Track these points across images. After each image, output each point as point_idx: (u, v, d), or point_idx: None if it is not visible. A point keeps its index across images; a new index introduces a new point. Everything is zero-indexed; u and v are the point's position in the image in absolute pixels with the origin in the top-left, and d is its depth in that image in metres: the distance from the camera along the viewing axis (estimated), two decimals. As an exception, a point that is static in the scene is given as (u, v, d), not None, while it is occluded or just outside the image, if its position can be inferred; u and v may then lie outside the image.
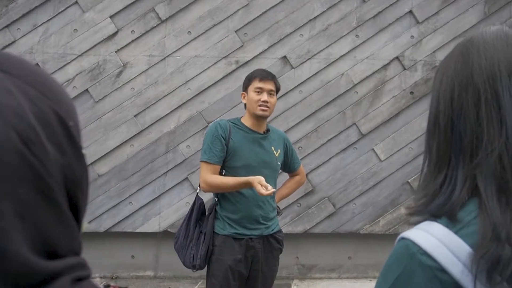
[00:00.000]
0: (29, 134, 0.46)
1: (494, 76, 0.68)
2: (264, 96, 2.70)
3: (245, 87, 2.79)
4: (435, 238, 0.65)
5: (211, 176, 2.65)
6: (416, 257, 0.65)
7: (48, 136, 0.48)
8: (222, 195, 2.72)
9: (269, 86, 2.74)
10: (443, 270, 0.63)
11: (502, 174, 0.65)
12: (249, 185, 2.54)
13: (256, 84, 2.73)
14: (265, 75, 2.76)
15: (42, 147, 0.46)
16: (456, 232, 0.65)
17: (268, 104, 2.72)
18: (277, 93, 2.82)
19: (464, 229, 0.65)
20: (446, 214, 0.67)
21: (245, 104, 2.82)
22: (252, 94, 2.73)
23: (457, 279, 0.62)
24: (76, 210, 0.51)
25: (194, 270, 2.72)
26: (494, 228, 0.62)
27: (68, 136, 0.50)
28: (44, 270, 0.45)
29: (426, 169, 0.75)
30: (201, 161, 2.71)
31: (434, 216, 0.68)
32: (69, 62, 4.88)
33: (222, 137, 2.67)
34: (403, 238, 0.68)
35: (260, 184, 2.45)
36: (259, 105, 2.70)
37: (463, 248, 0.63)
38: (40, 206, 0.46)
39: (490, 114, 0.67)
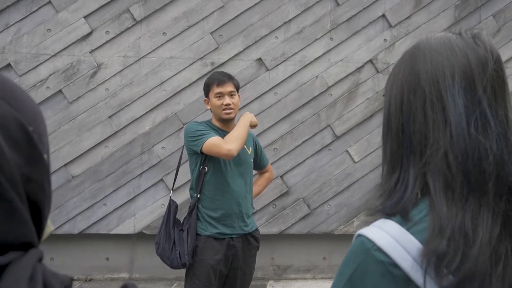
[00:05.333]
0: None
1: (438, 79, 0.73)
2: (226, 100, 2.75)
3: (206, 94, 2.84)
4: (388, 235, 0.68)
5: (224, 139, 2.66)
6: (371, 253, 0.68)
7: (5, 138, 0.51)
8: (202, 193, 2.75)
9: (228, 88, 2.77)
10: (395, 265, 0.66)
11: (448, 171, 0.69)
12: (250, 124, 2.79)
13: (215, 89, 2.76)
14: (221, 79, 2.78)
15: None
16: (408, 229, 0.68)
17: (232, 106, 2.76)
18: (238, 90, 2.85)
19: (416, 226, 0.69)
20: (399, 212, 0.71)
21: (210, 109, 2.86)
22: (214, 100, 2.77)
23: (408, 274, 0.65)
24: (38, 207, 0.54)
25: (186, 268, 2.74)
26: (441, 224, 0.66)
27: (27, 139, 0.54)
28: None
29: (383, 169, 0.78)
30: (204, 142, 2.64)
31: (389, 214, 0.72)
32: (42, 63, 4.82)
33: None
34: (359, 235, 0.71)
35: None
36: (223, 109, 2.75)
37: (414, 244, 0.67)
38: None
39: (435, 115, 0.72)
